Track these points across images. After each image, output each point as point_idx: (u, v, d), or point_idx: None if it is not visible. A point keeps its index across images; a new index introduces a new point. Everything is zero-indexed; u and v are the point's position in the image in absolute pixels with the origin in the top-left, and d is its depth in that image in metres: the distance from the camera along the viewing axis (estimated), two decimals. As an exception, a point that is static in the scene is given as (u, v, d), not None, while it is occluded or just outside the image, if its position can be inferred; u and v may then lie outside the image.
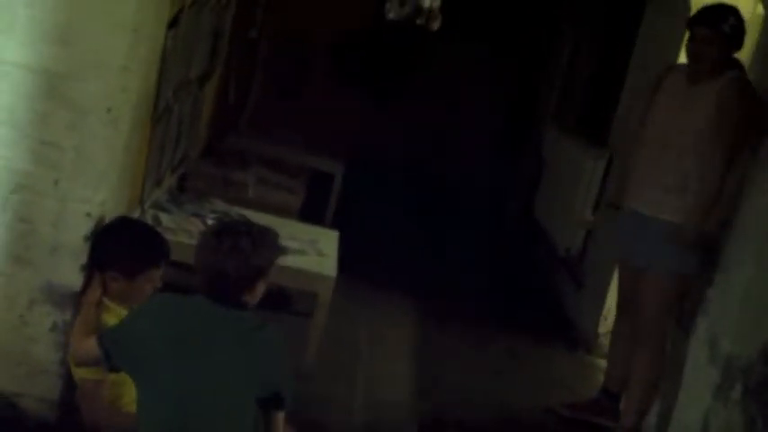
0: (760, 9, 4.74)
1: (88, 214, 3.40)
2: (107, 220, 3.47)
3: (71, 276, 3.41)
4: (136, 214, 4.16)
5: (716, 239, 4.24)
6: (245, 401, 2.81)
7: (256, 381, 2.81)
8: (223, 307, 2.83)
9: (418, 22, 5.69)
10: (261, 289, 2.92)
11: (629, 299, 4.63)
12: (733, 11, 4.35)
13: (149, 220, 4.32)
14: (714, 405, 3.91)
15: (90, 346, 3.00)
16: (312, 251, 4.75)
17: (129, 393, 3.20)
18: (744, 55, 4.53)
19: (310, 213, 6.15)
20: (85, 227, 3.41)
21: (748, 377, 3.68)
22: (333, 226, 5.80)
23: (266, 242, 2.95)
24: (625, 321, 4.71)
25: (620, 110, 6.42)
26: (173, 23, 4.08)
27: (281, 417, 2.89)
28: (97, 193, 3.42)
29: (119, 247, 3.38)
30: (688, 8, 5.34)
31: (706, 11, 4.44)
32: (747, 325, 3.84)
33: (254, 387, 2.80)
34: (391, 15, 5.43)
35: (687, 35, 4.47)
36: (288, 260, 4.55)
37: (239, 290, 2.85)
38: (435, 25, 5.64)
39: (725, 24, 4.28)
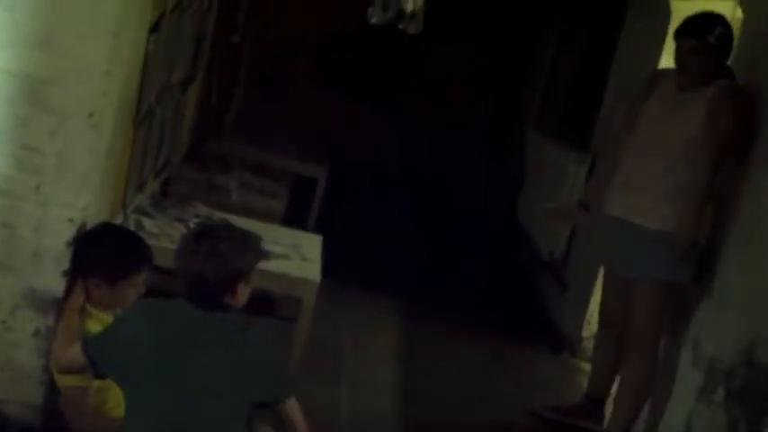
0: (739, 13, 4.76)
1: (70, 219, 3.39)
2: (89, 226, 3.46)
3: (53, 282, 3.39)
4: (118, 219, 4.15)
5: (703, 246, 4.22)
6: (232, 404, 2.79)
7: (241, 383, 2.80)
8: (204, 310, 2.82)
9: (400, 26, 5.68)
10: (244, 292, 2.92)
11: (614, 305, 4.60)
12: (720, 20, 4.28)
13: (132, 225, 4.30)
14: (697, 407, 3.92)
15: (74, 353, 2.99)
16: (296, 256, 4.74)
17: (113, 398, 3.19)
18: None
19: (294, 218, 6.14)
20: (68, 232, 3.39)
21: (731, 380, 3.70)
22: (316, 230, 5.79)
23: (247, 245, 2.95)
24: (609, 328, 4.68)
25: (603, 113, 6.45)
26: (154, 28, 4.07)
27: (293, 404, 2.89)
28: (79, 198, 3.40)
29: (100, 254, 3.36)
30: (668, 12, 5.37)
31: (691, 21, 4.35)
32: (730, 328, 3.85)
33: (239, 390, 2.79)
34: (374, 20, 5.43)
35: (675, 46, 4.39)
36: (271, 265, 4.54)
37: (220, 293, 2.85)
38: (415, 29, 5.64)
39: (710, 36, 4.20)
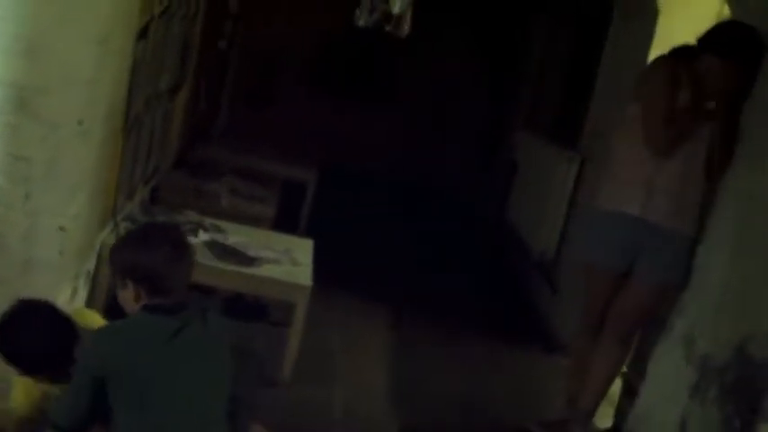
0: (726, 11, 4.77)
1: (60, 228, 3.38)
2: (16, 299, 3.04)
3: (43, 291, 3.36)
4: (109, 227, 4.14)
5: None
6: (220, 400, 2.77)
7: (222, 377, 2.77)
8: (169, 316, 2.69)
9: (387, 28, 5.68)
10: None
11: (604, 307, 4.46)
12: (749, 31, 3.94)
13: (122, 233, 4.29)
14: (691, 405, 3.92)
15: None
16: (287, 261, 4.74)
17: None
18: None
19: (285, 223, 6.13)
20: (57, 241, 3.38)
21: (724, 377, 3.70)
22: (307, 234, 5.79)
23: None
24: (593, 332, 4.53)
25: (592, 113, 6.45)
26: (142, 35, 4.07)
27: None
28: (69, 206, 3.39)
29: (31, 353, 2.93)
30: (656, 11, 5.37)
31: (723, 36, 4.04)
32: (723, 325, 3.85)
33: (223, 384, 2.76)
34: (361, 23, 5.42)
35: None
36: (263, 270, 4.55)
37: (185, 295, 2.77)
38: (403, 32, 5.64)
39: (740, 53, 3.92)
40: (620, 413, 4.71)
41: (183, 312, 2.71)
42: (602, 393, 4.53)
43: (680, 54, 4.19)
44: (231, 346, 2.82)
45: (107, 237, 4.10)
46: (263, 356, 3.38)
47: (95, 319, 3.29)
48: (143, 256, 2.70)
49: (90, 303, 3.99)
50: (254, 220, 5.56)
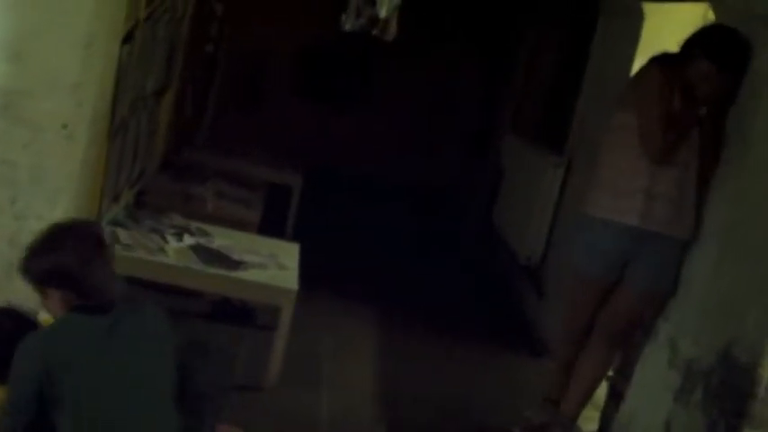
0: (710, 15, 4.78)
1: (45, 232, 3.36)
2: None
3: (30, 295, 3.36)
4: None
5: None
6: (166, 395, 2.74)
7: (168, 375, 2.75)
8: (102, 315, 2.65)
9: (374, 32, 5.69)
10: None
11: (591, 314, 4.43)
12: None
13: (107, 237, 4.27)
14: (675, 408, 3.94)
15: None
16: (273, 265, 4.74)
17: None
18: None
19: (270, 227, 6.13)
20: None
21: (708, 380, 3.72)
22: (294, 238, 5.78)
23: None
24: (579, 339, 4.51)
25: (578, 118, 6.47)
26: (127, 38, 4.06)
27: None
28: (54, 210, 3.39)
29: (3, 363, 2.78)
30: (641, 16, 5.39)
31: (712, 41, 4.05)
32: (707, 329, 3.87)
33: (168, 382, 2.74)
34: (347, 27, 5.43)
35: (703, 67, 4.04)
36: (248, 274, 4.54)
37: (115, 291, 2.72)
38: (390, 36, 5.65)
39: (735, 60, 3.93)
40: (606, 417, 4.71)
41: (116, 308, 2.67)
42: (588, 396, 4.53)
43: (665, 60, 4.19)
44: (177, 341, 2.79)
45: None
46: (227, 353, 3.34)
47: None
48: (55, 260, 2.63)
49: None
50: (239, 224, 5.55)
